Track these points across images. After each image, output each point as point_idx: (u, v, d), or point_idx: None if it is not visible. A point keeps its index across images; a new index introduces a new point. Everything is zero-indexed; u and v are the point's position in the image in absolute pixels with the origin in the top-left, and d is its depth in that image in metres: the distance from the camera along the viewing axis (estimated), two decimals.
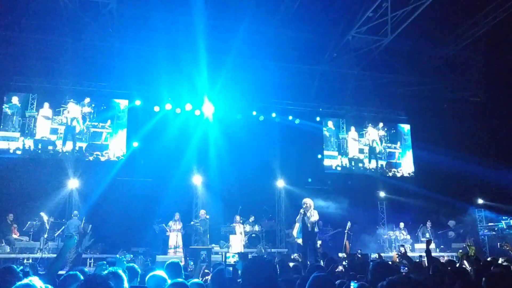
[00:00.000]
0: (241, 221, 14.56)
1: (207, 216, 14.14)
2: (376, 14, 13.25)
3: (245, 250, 13.56)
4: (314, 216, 11.19)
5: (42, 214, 12.61)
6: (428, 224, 15.71)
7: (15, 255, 11.92)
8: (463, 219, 16.55)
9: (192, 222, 14.23)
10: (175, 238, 13.67)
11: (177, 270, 4.91)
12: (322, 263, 7.74)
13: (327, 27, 14.39)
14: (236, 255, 9.98)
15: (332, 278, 3.76)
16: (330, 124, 17.26)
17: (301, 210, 11.33)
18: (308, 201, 11.45)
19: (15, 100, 14.07)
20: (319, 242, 11.80)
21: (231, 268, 5.41)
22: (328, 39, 15.04)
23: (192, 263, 11.42)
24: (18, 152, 13.85)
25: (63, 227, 12.75)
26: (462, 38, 15.41)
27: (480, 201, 17.21)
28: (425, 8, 12.75)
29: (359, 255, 10.98)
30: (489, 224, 16.38)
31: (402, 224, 15.80)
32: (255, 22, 13.39)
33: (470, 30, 14.94)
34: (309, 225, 11.13)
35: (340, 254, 12.78)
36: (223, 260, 11.62)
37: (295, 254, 12.01)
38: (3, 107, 13.93)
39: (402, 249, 9.15)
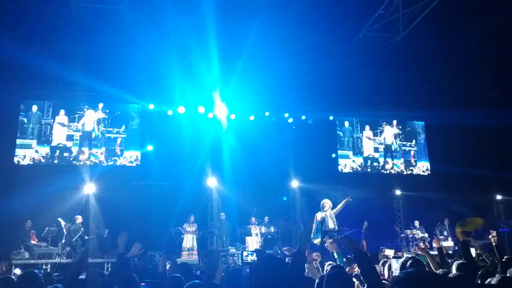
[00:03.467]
0: (256, 223, 14.55)
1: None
2: (387, 11, 13.18)
3: None
4: (337, 208, 11.57)
5: (60, 219, 12.74)
6: (446, 221, 15.46)
7: (34, 261, 12.06)
8: (481, 216, 16.26)
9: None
10: (190, 240, 13.71)
11: (188, 271, 4.96)
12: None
13: (338, 26, 14.32)
14: (254, 254, 10.01)
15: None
16: (344, 123, 17.16)
17: (320, 214, 11.56)
18: (328, 201, 11.72)
19: (34, 108, 14.27)
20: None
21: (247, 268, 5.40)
22: (340, 38, 14.96)
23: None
24: (35, 159, 14.03)
25: (79, 233, 12.83)
26: (475, 33, 15.20)
27: (499, 196, 16.95)
28: (436, 4, 12.63)
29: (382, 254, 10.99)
30: (509, 220, 16.12)
31: (417, 223, 15.55)
32: (266, 23, 13.37)
33: (483, 25, 14.74)
34: (330, 224, 11.40)
35: None
36: (240, 258, 11.65)
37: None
38: (20, 114, 14.13)
39: (421, 244, 9.09)
